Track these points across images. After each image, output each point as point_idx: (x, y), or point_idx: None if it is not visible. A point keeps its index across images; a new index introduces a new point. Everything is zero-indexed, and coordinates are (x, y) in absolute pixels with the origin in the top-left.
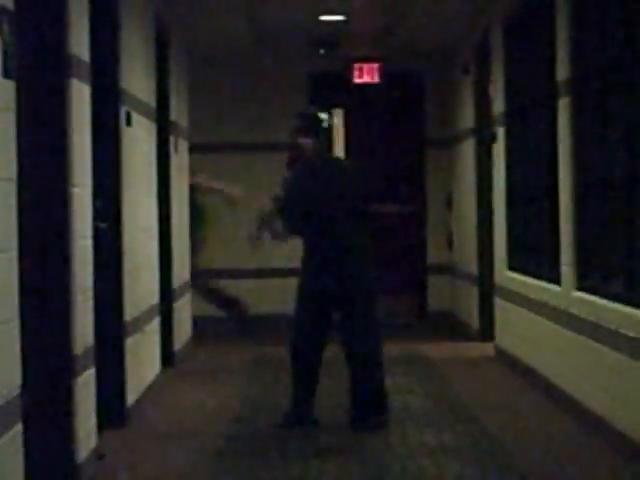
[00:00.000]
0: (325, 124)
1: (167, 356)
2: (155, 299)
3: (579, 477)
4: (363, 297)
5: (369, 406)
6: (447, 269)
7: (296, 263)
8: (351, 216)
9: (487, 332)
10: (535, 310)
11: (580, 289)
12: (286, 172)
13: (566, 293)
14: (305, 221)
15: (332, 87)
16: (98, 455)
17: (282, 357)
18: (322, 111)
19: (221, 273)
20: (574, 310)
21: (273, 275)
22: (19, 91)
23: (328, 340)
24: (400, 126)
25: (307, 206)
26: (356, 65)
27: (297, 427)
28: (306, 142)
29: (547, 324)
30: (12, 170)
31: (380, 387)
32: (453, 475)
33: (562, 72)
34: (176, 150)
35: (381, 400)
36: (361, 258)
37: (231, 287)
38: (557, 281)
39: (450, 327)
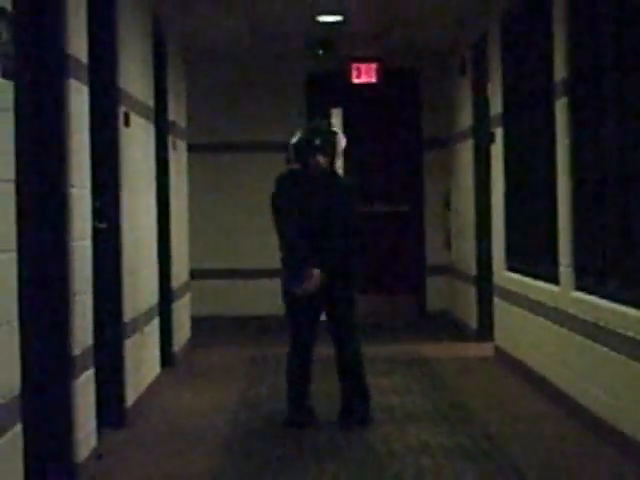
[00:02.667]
0: (340, 141)
1: (166, 357)
2: (154, 300)
3: (578, 476)
4: (347, 301)
5: (356, 402)
6: (445, 269)
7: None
8: (335, 228)
9: (486, 332)
10: (534, 310)
11: (578, 289)
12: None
13: (565, 293)
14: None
15: (330, 87)
16: (97, 455)
17: (280, 357)
18: (328, 121)
19: (219, 273)
20: (573, 310)
21: (272, 276)
22: (17, 91)
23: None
24: (398, 126)
25: (292, 212)
26: (354, 65)
27: (297, 427)
28: (322, 160)
29: (546, 324)
30: (11, 171)
31: (364, 385)
32: (452, 474)
33: (559, 72)
34: (175, 150)
35: (364, 397)
36: (344, 270)
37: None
38: (556, 281)
39: (449, 327)
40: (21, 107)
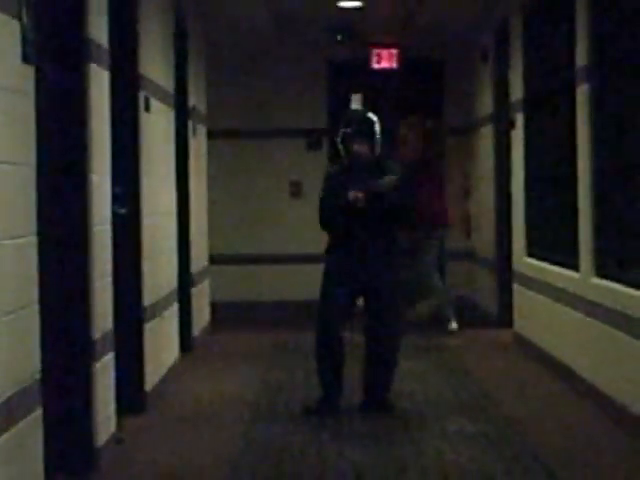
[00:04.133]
0: (377, 127)
1: (186, 341)
2: (174, 284)
3: (599, 463)
4: (388, 288)
5: (380, 389)
6: (465, 255)
7: (313, 249)
8: (382, 215)
9: (505, 318)
10: (554, 297)
11: (599, 275)
12: (328, 166)
13: (585, 280)
14: (338, 216)
15: (351, 73)
16: (117, 440)
17: (300, 342)
18: (367, 109)
19: (238, 258)
20: (593, 296)
21: (291, 261)
22: (38, 76)
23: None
24: (419, 112)
25: (340, 201)
26: (374, 51)
27: (321, 413)
28: (362, 149)
29: (566, 311)
30: (31, 156)
31: (393, 372)
32: (472, 460)
33: (581, 58)
34: (194, 135)
35: (389, 384)
36: (387, 252)
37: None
38: (576, 268)
39: (468, 313)
40: (42, 92)
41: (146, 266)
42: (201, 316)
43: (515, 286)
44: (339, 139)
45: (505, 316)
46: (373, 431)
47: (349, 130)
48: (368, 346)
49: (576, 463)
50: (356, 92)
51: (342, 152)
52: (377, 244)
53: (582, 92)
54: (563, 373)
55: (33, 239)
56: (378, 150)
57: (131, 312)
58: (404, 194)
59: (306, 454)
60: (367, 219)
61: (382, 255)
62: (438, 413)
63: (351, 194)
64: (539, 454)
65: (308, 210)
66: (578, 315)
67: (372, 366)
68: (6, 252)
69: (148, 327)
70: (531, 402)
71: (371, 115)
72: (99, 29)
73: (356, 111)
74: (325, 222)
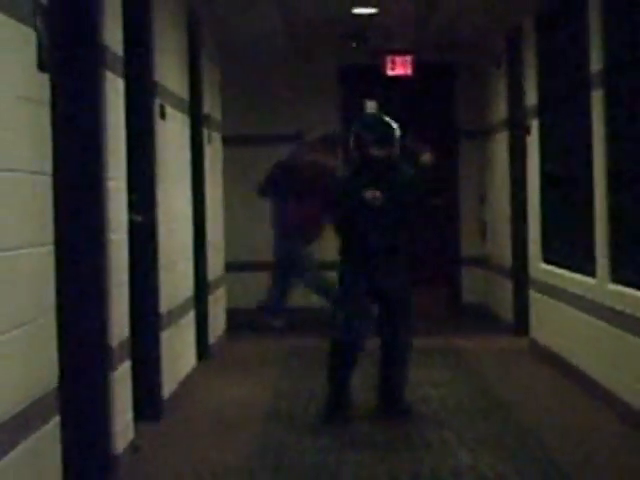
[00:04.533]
0: (397, 133)
1: (202, 349)
2: (190, 292)
3: (616, 469)
4: (401, 294)
5: (396, 394)
6: (481, 262)
7: (330, 256)
8: (395, 216)
9: (521, 325)
10: (570, 303)
11: (615, 281)
12: (341, 168)
13: (601, 285)
14: (354, 217)
15: (364, 80)
16: (134, 447)
17: (316, 349)
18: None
19: (254, 265)
20: (609, 302)
21: None
22: (53, 84)
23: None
24: (433, 118)
25: (353, 202)
26: (389, 57)
27: (334, 419)
28: (382, 154)
29: (582, 317)
30: (48, 164)
31: (406, 377)
32: (488, 467)
33: (595, 63)
34: (210, 142)
35: (403, 389)
36: (400, 257)
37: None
38: (592, 273)
39: (484, 320)
40: (57, 100)
41: (162, 273)
42: (217, 323)
43: (531, 292)
44: (353, 142)
45: (521, 323)
46: (390, 437)
47: (369, 135)
48: (383, 348)
49: (593, 469)
50: (370, 99)
51: (355, 155)
52: (390, 246)
53: (597, 96)
54: (580, 379)
55: (50, 247)
56: (396, 154)
57: (148, 320)
58: (418, 188)
59: (323, 461)
60: (382, 220)
61: (395, 258)
62: (454, 419)
63: (368, 193)
64: (556, 460)
65: None
66: (594, 321)
67: (387, 368)
68: (23, 261)
69: (165, 335)
70: (547, 408)
71: (391, 121)
72: (114, 37)
73: (374, 116)
74: (340, 224)
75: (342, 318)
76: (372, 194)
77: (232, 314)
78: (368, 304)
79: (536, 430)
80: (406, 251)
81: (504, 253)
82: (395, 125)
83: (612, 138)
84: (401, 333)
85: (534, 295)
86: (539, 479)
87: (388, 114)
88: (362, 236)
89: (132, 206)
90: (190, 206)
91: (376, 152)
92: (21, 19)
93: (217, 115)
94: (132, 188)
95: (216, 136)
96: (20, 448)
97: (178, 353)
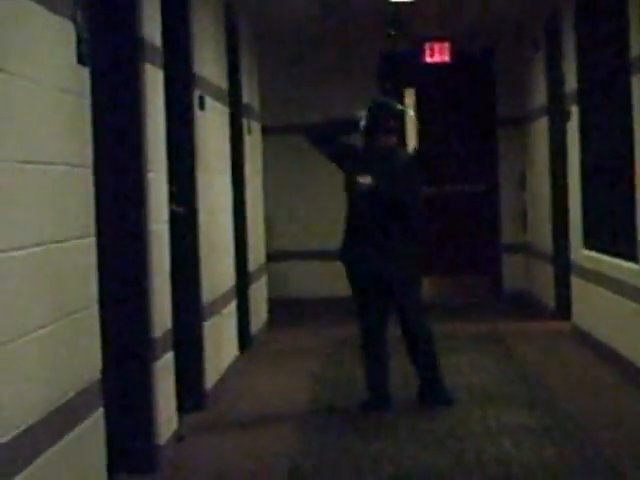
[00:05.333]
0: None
1: (244, 339)
2: (231, 282)
3: None
4: (404, 283)
5: (436, 384)
6: (522, 248)
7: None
8: (391, 202)
9: (563, 311)
10: (612, 288)
11: None
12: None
13: None
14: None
15: (403, 67)
16: (178, 438)
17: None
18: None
19: (296, 255)
20: None
21: None
22: (93, 77)
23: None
24: (472, 105)
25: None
26: (427, 44)
27: (375, 408)
28: (389, 141)
29: (625, 302)
30: (88, 157)
31: (437, 367)
32: (533, 455)
33: (635, 47)
34: (249, 133)
35: (439, 378)
36: (401, 244)
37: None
38: (634, 259)
39: (526, 306)
40: (97, 93)
41: (204, 264)
42: (259, 314)
43: (573, 278)
44: (363, 127)
45: (563, 308)
46: (432, 426)
47: (381, 123)
48: (405, 344)
49: (638, 456)
50: (408, 86)
51: (363, 140)
52: (390, 236)
53: (637, 81)
54: (622, 365)
55: (92, 239)
56: (412, 144)
57: (190, 310)
58: (403, 188)
59: (365, 450)
60: (375, 204)
61: (395, 249)
62: (497, 406)
63: (360, 178)
64: (600, 447)
65: None
66: (636, 306)
67: (414, 362)
68: (66, 253)
69: (207, 325)
70: (592, 395)
71: (400, 107)
72: (153, 29)
73: (386, 104)
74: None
75: (358, 312)
76: (363, 179)
77: (274, 304)
78: (381, 299)
79: (580, 417)
80: (411, 239)
81: (545, 239)
82: (406, 112)
83: None
84: (415, 327)
85: (575, 281)
86: (584, 467)
87: (427, 101)
88: (357, 217)
89: (172, 197)
90: (230, 196)
91: (385, 140)
92: (60, 12)
93: (256, 105)
94: (172, 179)
95: (256, 126)
96: (65, 439)
97: (220, 343)
